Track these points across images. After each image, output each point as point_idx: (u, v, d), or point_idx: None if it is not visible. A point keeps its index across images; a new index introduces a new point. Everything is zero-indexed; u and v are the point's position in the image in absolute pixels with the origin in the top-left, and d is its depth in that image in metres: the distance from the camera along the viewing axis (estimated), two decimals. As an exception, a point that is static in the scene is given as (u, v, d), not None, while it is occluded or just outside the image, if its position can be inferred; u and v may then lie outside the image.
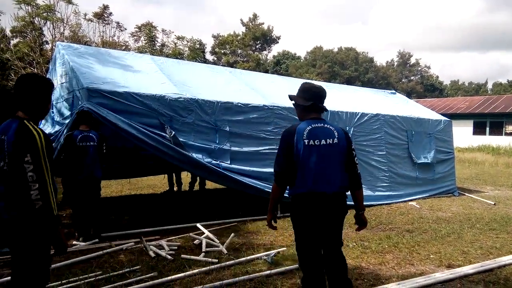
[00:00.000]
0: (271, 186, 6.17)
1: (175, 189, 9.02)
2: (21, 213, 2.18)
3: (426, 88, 57.16)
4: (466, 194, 9.43)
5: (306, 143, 2.72)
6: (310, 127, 2.77)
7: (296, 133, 2.74)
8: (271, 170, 6.38)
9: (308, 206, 2.75)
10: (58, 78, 6.25)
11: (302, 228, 2.83)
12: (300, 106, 2.90)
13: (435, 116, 9.84)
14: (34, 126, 2.25)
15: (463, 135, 24.76)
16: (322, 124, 2.82)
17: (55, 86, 6.04)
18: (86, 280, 3.59)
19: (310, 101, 2.84)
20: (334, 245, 2.89)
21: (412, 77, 60.23)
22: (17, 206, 2.18)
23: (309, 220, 2.77)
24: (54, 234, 2.26)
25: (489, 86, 65.85)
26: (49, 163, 2.22)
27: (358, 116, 7.85)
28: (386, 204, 7.75)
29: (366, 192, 7.67)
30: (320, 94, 2.91)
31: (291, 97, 3.00)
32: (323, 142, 2.75)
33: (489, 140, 25.25)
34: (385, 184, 8.08)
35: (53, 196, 2.20)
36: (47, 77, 6.14)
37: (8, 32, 21.39)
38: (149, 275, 3.78)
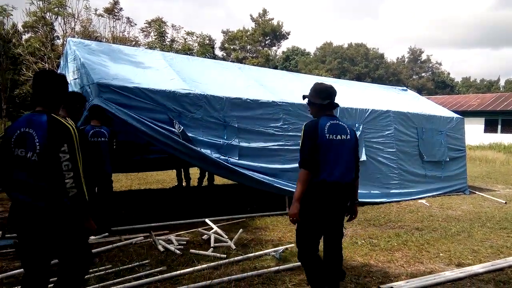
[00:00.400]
0: (279, 181, 6.29)
1: (183, 184, 9.07)
2: (50, 202, 2.27)
3: (437, 85, 56.52)
4: (476, 192, 9.33)
5: (328, 137, 2.99)
6: (329, 123, 3.04)
7: (318, 127, 3.00)
8: (280, 166, 6.47)
9: (327, 193, 2.99)
10: (70, 74, 6.31)
11: (315, 213, 3.01)
12: (317, 105, 3.14)
13: (446, 113, 9.72)
14: (64, 119, 2.37)
15: (474, 132, 24.43)
16: (337, 121, 3.11)
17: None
18: (96, 274, 3.63)
19: (326, 100, 3.10)
20: (339, 232, 3.15)
21: (423, 74, 59.56)
22: (45, 196, 2.27)
23: (325, 206, 3.00)
24: (85, 218, 2.39)
25: (501, 83, 64.87)
26: (81, 154, 2.35)
27: (368, 113, 7.79)
28: (396, 201, 7.70)
29: (375, 189, 7.65)
30: (334, 93, 3.17)
31: (306, 97, 3.23)
32: (339, 137, 3.04)
33: (500, 138, 24.88)
34: (395, 182, 8.02)
35: (85, 184, 2.34)
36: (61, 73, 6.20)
37: (20, 27, 21.64)
38: (158, 269, 3.81)
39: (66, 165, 2.24)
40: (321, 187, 2.98)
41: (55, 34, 20.78)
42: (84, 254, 2.50)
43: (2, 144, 2.36)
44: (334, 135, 3.01)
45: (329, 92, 3.13)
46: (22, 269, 3.58)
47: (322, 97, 3.10)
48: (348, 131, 3.10)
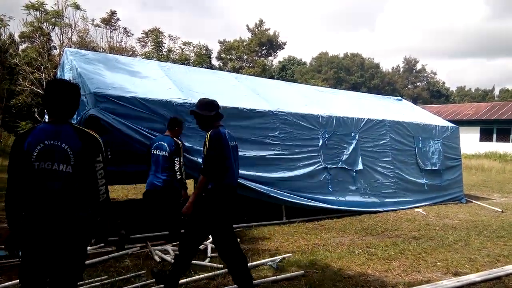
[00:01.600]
0: (276, 191, 6.26)
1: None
2: (84, 210, 2.33)
3: (432, 94, 56.90)
4: (473, 201, 9.36)
5: (230, 144, 3.40)
6: (226, 132, 3.45)
7: (223, 136, 3.36)
8: (276, 175, 6.48)
9: (230, 195, 3.45)
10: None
11: (223, 213, 3.37)
12: (207, 117, 3.45)
13: (442, 122, 9.79)
14: (88, 129, 2.44)
15: (469, 141, 24.55)
16: (228, 130, 3.52)
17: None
18: (91, 285, 3.60)
19: (214, 111, 3.46)
20: (232, 230, 3.57)
21: (418, 83, 59.97)
22: (80, 205, 2.31)
23: (230, 207, 3.42)
24: (107, 221, 2.51)
25: (496, 92, 65.45)
26: None
27: (364, 122, 7.83)
28: (392, 210, 7.70)
29: (372, 198, 7.65)
30: (218, 106, 3.54)
31: (194, 112, 3.50)
32: (233, 143, 3.49)
33: (496, 147, 25.03)
34: (391, 191, 8.04)
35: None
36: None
37: (16, 37, 21.67)
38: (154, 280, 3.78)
39: (100, 173, 2.37)
40: (227, 190, 3.39)
41: (52, 44, 20.81)
42: (83, 264, 2.50)
43: (18, 159, 2.26)
44: (232, 142, 3.46)
45: (215, 105, 3.50)
46: (17, 281, 3.55)
47: (210, 109, 3.45)
48: (234, 138, 3.59)
